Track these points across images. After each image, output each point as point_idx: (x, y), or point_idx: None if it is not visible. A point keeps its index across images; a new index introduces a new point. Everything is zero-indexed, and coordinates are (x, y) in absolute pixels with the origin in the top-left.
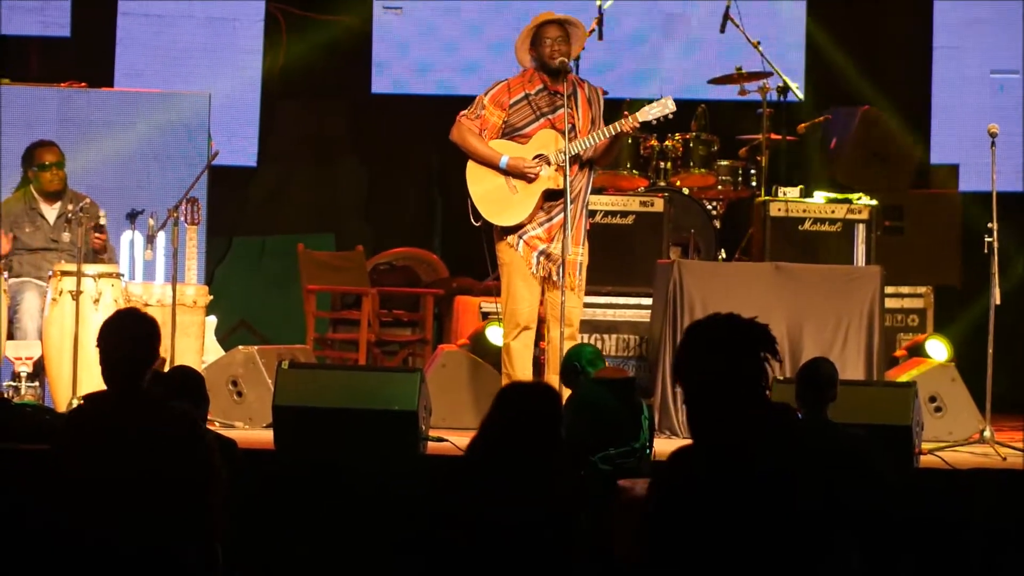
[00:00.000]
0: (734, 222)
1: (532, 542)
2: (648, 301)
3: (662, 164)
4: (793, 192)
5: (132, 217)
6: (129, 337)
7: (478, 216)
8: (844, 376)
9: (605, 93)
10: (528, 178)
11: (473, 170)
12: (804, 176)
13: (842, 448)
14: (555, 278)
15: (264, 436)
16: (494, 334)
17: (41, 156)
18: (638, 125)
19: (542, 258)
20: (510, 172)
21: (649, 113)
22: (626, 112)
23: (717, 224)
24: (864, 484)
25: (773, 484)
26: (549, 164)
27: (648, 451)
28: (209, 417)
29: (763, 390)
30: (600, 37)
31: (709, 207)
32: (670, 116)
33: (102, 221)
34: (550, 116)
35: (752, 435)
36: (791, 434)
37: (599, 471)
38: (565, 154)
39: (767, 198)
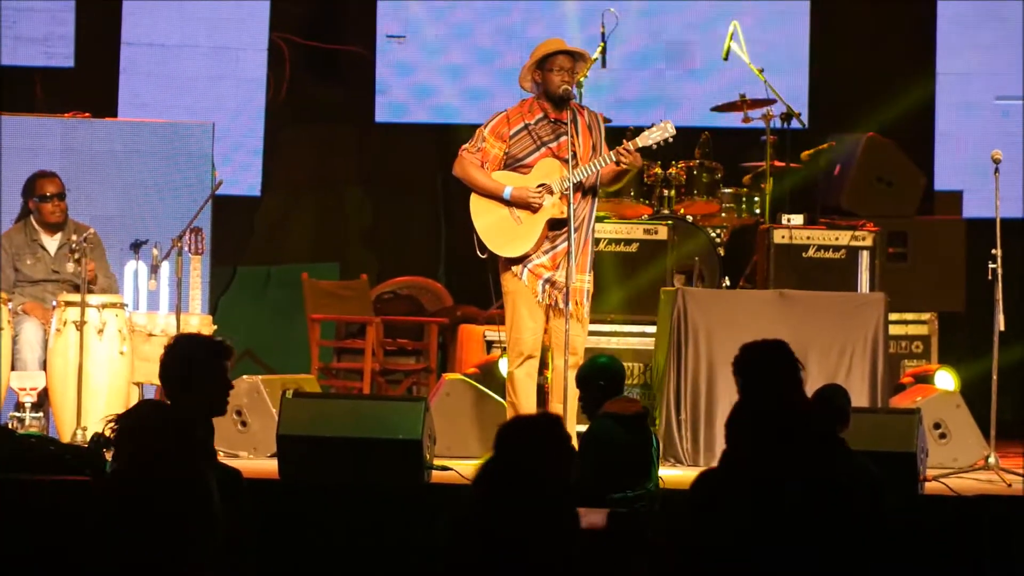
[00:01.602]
0: (738, 249)
1: None
2: (652, 329)
3: (666, 192)
4: (797, 219)
5: (136, 247)
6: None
7: (484, 249)
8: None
9: (607, 121)
10: (532, 208)
11: (476, 202)
12: (808, 203)
13: (849, 474)
14: (560, 306)
15: (268, 466)
16: (505, 367)
17: (42, 187)
18: (639, 157)
19: (547, 286)
20: (514, 203)
21: (649, 138)
22: (624, 139)
23: (721, 251)
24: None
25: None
26: (552, 193)
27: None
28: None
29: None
30: (604, 65)
31: (713, 234)
32: (670, 140)
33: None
34: (551, 145)
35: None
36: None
37: None
38: (569, 182)
39: (771, 225)
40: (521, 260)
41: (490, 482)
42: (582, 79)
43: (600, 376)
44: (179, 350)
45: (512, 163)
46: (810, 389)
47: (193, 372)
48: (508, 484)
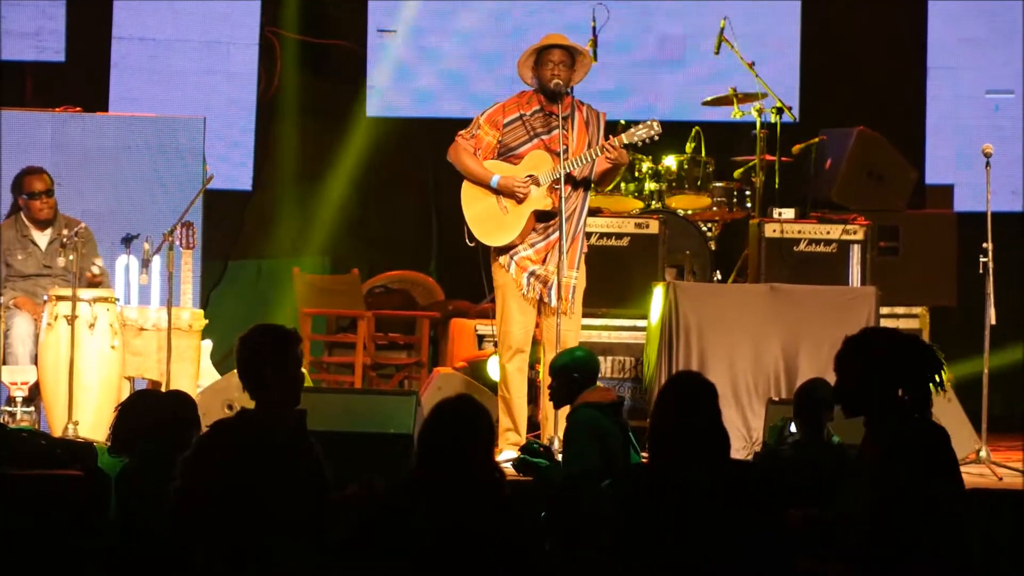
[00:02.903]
0: (729, 243)
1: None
2: (643, 323)
3: (657, 186)
4: (788, 213)
5: (127, 241)
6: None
7: (472, 237)
8: None
9: (605, 116)
10: (517, 198)
11: (467, 190)
12: (799, 197)
13: (836, 465)
14: (546, 300)
15: None
16: (493, 368)
17: (30, 184)
18: (624, 154)
19: (532, 279)
20: (500, 191)
21: (635, 135)
22: (611, 135)
23: (712, 246)
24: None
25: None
26: (539, 185)
27: None
28: None
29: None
30: (595, 58)
31: (704, 228)
32: (656, 138)
33: (94, 269)
34: (544, 137)
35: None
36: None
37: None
38: (560, 174)
39: (762, 219)
40: (508, 250)
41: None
42: (573, 86)
43: (575, 368)
44: (250, 341)
45: (505, 152)
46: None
47: (266, 362)
48: (431, 463)
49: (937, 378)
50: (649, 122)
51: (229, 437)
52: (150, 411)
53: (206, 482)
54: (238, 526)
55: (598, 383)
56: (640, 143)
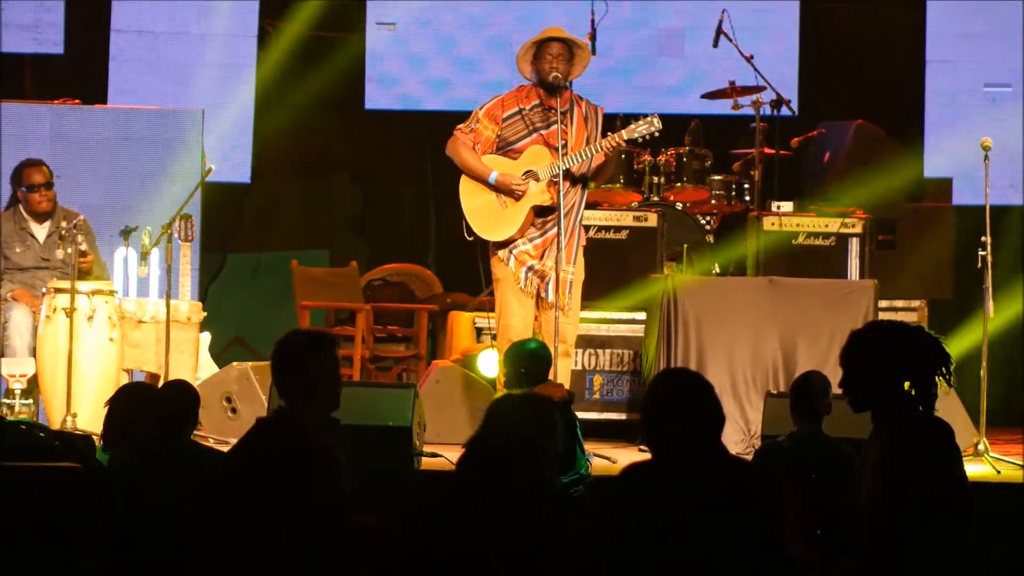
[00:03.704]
0: (728, 236)
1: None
2: (642, 316)
3: (655, 179)
4: (787, 206)
5: (126, 234)
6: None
7: (471, 231)
8: (838, 390)
9: (603, 111)
10: (515, 195)
11: (466, 185)
12: (797, 190)
13: (833, 461)
14: (544, 295)
15: None
16: (484, 362)
17: (29, 177)
18: (624, 144)
19: (530, 274)
20: (499, 188)
21: (635, 131)
22: (610, 132)
23: (711, 239)
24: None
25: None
26: (538, 180)
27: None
28: (204, 434)
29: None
30: (593, 52)
31: (703, 222)
32: (656, 134)
33: (83, 246)
34: (543, 131)
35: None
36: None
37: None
38: (559, 170)
39: (761, 212)
40: (507, 245)
41: (475, 460)
42: (572, 80)
43: (521, 363)
44: (287, 347)
45: (503, 147)
46: None
47: (304, 368)
48: (493, 461)
49: (944, 371)
50: (649, 118)
51: (258, 440)
52: (147, 404)
53: (233, 482)
54: (248, 531)
55: (551, 377)
56: (640, 139)
